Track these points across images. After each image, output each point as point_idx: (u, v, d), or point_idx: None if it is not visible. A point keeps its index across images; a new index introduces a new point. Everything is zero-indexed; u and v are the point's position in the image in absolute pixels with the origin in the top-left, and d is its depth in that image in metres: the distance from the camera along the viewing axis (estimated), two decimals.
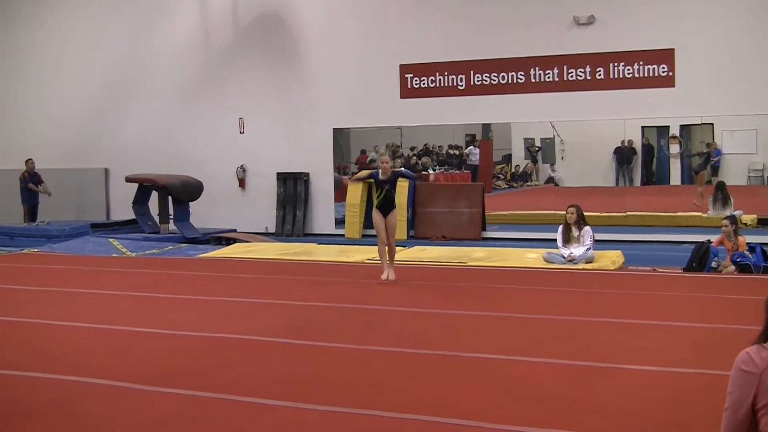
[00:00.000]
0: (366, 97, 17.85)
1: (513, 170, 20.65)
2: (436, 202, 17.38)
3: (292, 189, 18.61)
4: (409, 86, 17.46)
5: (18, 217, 19.16)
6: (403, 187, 16.89)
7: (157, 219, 17.57)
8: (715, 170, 17.69)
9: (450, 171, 20.43)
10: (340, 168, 19.82)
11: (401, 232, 16.53)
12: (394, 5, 17.74)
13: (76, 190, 20.62)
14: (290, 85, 18.62)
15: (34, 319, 8.59)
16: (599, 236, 13.22)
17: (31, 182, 18.91)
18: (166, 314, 8.87)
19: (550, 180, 19.78)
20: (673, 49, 15.47)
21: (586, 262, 12.00)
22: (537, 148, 19.98)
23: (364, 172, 11.98)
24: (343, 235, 17.73)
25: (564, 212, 12.43)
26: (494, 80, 16.80)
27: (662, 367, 6.20)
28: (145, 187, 17.59)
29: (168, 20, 19.90)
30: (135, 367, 6.44)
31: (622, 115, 16.58)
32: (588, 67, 16.05)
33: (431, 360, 6.58)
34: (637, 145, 18.20)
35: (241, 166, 19.20)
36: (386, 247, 10.67)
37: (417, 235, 17.17)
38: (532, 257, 12.88)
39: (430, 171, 20.14)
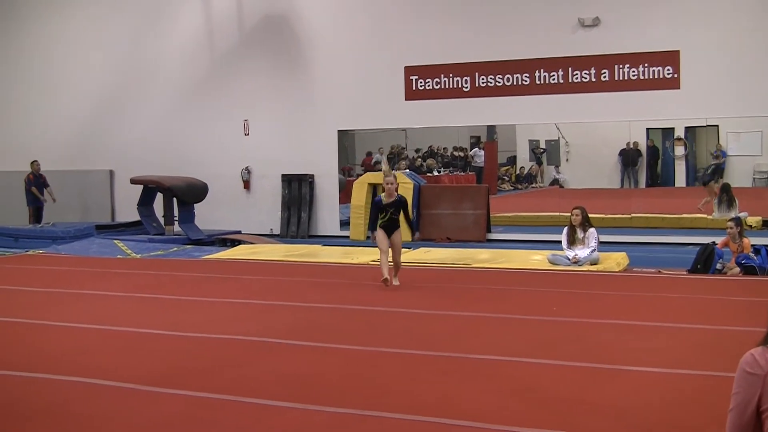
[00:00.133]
0: (371, 98, 17.86)
1: (518, 172, 20.63)
2: (440, 204, 17.36)
3: (297, 190, 18.62)
4: (414, 88, 17.47)
5: (23, 219, 19.21)
6: (407, 188, 16.90)
7: (162, 220, 17.60)
8: (720, 172, 17.66)
9: (455, 173, 20.42)
10: (345, 170, 19.82)
11: (406, 235, 16.50)
12: (399, 7, 17.75)
13: (80, 191, 20.65)
14: (295, 86, 18.64)
15: (39, 320, 8.60)
16: (604, 238, 13.19)
17: (35, 184, 18.94)
18: (171, 315, 8.88)
19: (555, 182, 19.76)
20: (678, 51, 15.46)
21: (591, 264, 11.99)
22: (542, 150, 19.96)
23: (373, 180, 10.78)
24: (347, 237, 17.73)
25: (569, 214, 12.41)
26: (499, 82, 16.80)
27: (667, 369, 6.19)
28: (150, 188, 17.63)
29: (172, 22, 19.93)
30: (140, 369, 6.44)
31: (626, 117, 16.57)
32: (593, 68, 16.04)
33: (436, 361, 6.58)
34: (642, 147, 18.18)
35: (246, 167, 19.22)
36: (388, 258, 10.39)
37: (422, 236, 17.13)
38: (536, 259, 12.86)
39: (435, 173, 20.14)
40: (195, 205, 17.44)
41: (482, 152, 20.26)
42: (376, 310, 9.04)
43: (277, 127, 18.83)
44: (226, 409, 5.38)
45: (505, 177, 20.77)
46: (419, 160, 20.44)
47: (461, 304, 9.31)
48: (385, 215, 10.37)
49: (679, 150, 17.98)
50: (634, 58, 15.75)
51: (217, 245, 16.33)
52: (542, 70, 16.41)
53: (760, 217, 15.87)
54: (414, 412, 5.16)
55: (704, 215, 16.50)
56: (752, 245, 11.54)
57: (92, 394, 5.80)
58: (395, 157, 20.19)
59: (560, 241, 12.50)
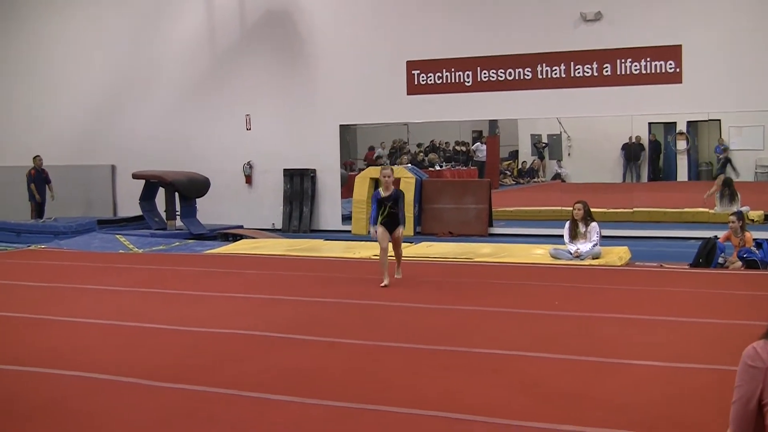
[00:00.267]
0: (373, 93, 17.85)
1: (520, 166, 20.63)
2: (442, 199, 17.37)
3: (299, 185, 18.62)
4: (416, 83, 17.45)
5: (25, 214, 19.22)
6: (409, 183, 16.91)
7: (164, 215, 17.60)
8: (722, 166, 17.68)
9: (457, 167, 20.42)
10: (347, 164, 19.82)
11: (408, 229, 16.54)
12: (401, 2, 17.74)
13: (83, 186, 20.67)
14: (297, 81, 18.63)
15: (41, 315, 8.61)
16: (606, 232, 13.20)
17: (37, 179, 18.93)
18: (172, 310, 8.88)
19: (557, 176, 19.76)
20: (680, 46, 15.44)
21: (593, 258, 11.99)
22: (544, 145, 19.95)
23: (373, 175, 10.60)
24: (349, 232, 17.73)
25: (571, 208, 12.41)
26: (501, 77, 16.79)
27: (669, 363, 6.19)
28: (152, 183, 17.63)
29: (174, 17, 19.92)
30: (141, 363, 6.45)
31: (628, 112, 16.56)
32: (595, 63, 16.02)
33: (438, 356, 6.58)
34: (645, 141, 18.17)
35: (248, 162, 19.22)
36: (387, 255, 10.24)
37: (424, 231, 17.16)
38: (538, 253, 12.86)
39: (437, 167, 20.14)
40: (197, 199, 17.44)
41: (484, 147, 20.26)
42: (377, 305, 9.04)
43: (279, 121, 18.83)
44: (226, 403, 5.38)
45: (507, 171, 20.77)
46: (421, 154, 20.44)
47: (463, 298, 9.31)
48: (384, 210, 10.33)
49: (681, 144, 17.98)
50: (636, 53, 15.73)
51: (219, 240, 16.31)
52: (544, 65, 16.39)
53: (762, 211, 15.85)
54: (416, 406, 5.16)
55: (706, 209, 16.49)
56: (754, 239, 11.52)
57: (93, 388, 5.80)
58: (397, 152, 20.20)
59: (562, 236, 12.51)
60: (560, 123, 18.55)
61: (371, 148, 20.81)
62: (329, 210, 18.65)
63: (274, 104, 18.87)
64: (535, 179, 20.38)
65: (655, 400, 5.28)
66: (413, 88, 17.48)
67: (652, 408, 5.12)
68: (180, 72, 19.88)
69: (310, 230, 18.41)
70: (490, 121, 19.40)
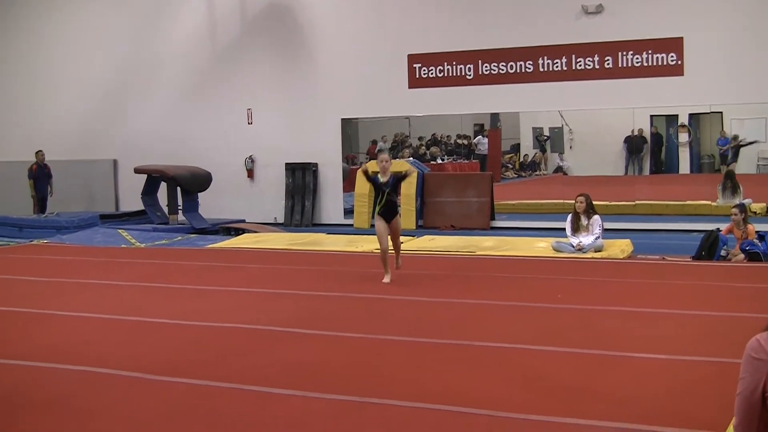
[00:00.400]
0: (374, 87, 17.83)
1: (522, 160, 20.62)
2: (444, 192, 17.36)
3: (301, 179, 18.62)
4: (418, 76, 17.43)
5: (27, 209, 19.23)
6: (411, 177, 16.88)
7: (166, 210, 17.61)
8: (724, 159, 17.66)
9: (459, 161, 20.42)
10: (349, 158, 19.82)
11: (410, 222, 16.56)
12: None
13: (85, 181, 20.67)
14: (298, 75, 18.61)
15: (43, 310, 8.61)
16: (608, 225, 13.20)
17: (39, 174, 18.94)
18: (175, 305, 8.89)
19: (559, 169, 19.75)
20: (682, 38, 15.41)
21: (595, 251, 11.98)
22: (546, 138, 19.94)
23: (370, 168, 10.93)
24: (351, 225, 17.73)
25: (573, 201, 12.41)
26: (502, 70, 16.76)
27: (672, 356, 6.19)
28: (154, 178, 17.64)
29: (176, 11, 19.90)
30: (144, 358, 6.45)
31: (630, 104, 16.53)
32: (596, 56, 15.99)
33: (440, 349, 6.58)
34: (647, 134, 18.16)
35: (250, 156, 19.21)
36: (387, 254, 10.09)
37: (426, 224, 17.16)
38: (541, 246, 12.85)
39: (439, 161, 20.14)
40: (199, 194, 17.45)
41: (486, 140, 20.25)
42: (380, 298, 9.04)
43: (281, 116, 18.82)
44: (228, 397, 5.38)
45: (509, 164, 20.77)
46: (423, 148, 20.44)
47: (465, 291, 9.31)
48: (382, 198, 10.19)
49: (683, 137, 17.96)
50: (638, 45, 15.70)
51: (221, 234, 16.33)
52: (546, 58, 16.36)
53: (764, 204, 15.86)
54: (418, 400, 5.16)
55: (708, 201, 16.49)
56: (756, 231, 11.52)
57: (95, 383, 5.81)
58: (399, 146, 20.19)
59: (564, 229, 12.49)
60: (562, 116, 18.53)
61: (373, 142, 20.80)
62: (331, 204, 18.65)
63: (276, 98, 18.85)
64: (537, 172, 20.37)
65: (658, 393, 5.28)
66: (415, 82, 17.46)
67: (654, 401, 5.12)
68: (181, 67, 19.86)
69: (312, 224, 18.41)
70: (491, 114, 19.38)
